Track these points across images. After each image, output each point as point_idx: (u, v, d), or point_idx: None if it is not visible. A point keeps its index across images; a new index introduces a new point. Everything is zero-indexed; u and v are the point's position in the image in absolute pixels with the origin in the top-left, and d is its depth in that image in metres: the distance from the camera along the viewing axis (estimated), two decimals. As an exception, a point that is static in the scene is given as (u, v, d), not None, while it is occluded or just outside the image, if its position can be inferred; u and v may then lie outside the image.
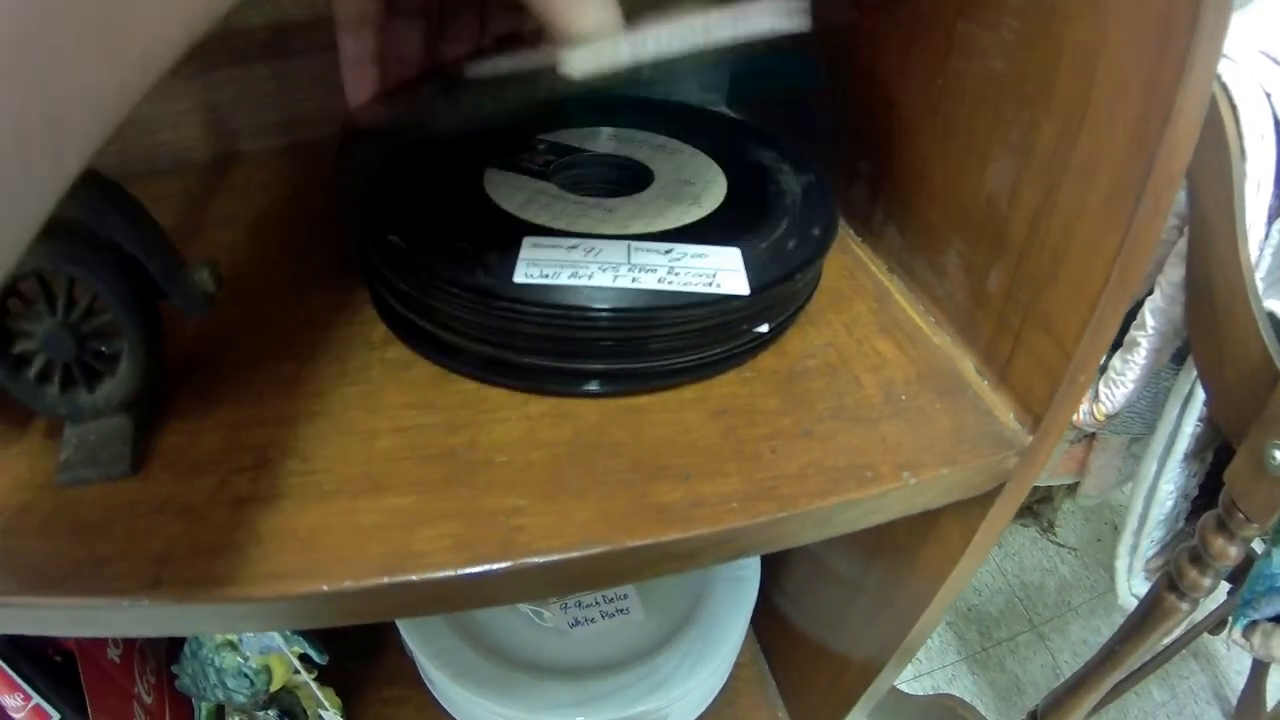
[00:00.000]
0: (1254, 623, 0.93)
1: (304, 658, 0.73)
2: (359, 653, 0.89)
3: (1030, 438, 0.44)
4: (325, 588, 0.35)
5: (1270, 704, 1.42)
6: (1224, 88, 0.80)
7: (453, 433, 0.42)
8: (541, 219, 0.48)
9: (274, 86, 0.68)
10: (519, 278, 0.43)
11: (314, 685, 0.75)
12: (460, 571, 0.36)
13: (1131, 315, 0.95)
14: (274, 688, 0.73)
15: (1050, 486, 1.69)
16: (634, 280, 0.43)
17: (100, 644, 0.68)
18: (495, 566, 0.36)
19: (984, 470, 0.44)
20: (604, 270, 0.44)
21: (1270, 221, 0.83)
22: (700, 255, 0.45)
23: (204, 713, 0.78)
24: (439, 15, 0.45)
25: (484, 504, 0.39)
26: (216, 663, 0.71)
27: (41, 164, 0.20)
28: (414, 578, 0.36)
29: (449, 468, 0.40)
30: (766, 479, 0.40)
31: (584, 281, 0.43)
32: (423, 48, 0.45)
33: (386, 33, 0.43)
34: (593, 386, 0.45)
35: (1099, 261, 0.38)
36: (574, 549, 0.37)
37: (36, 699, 0.61)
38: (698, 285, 0.43)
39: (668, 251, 0.46)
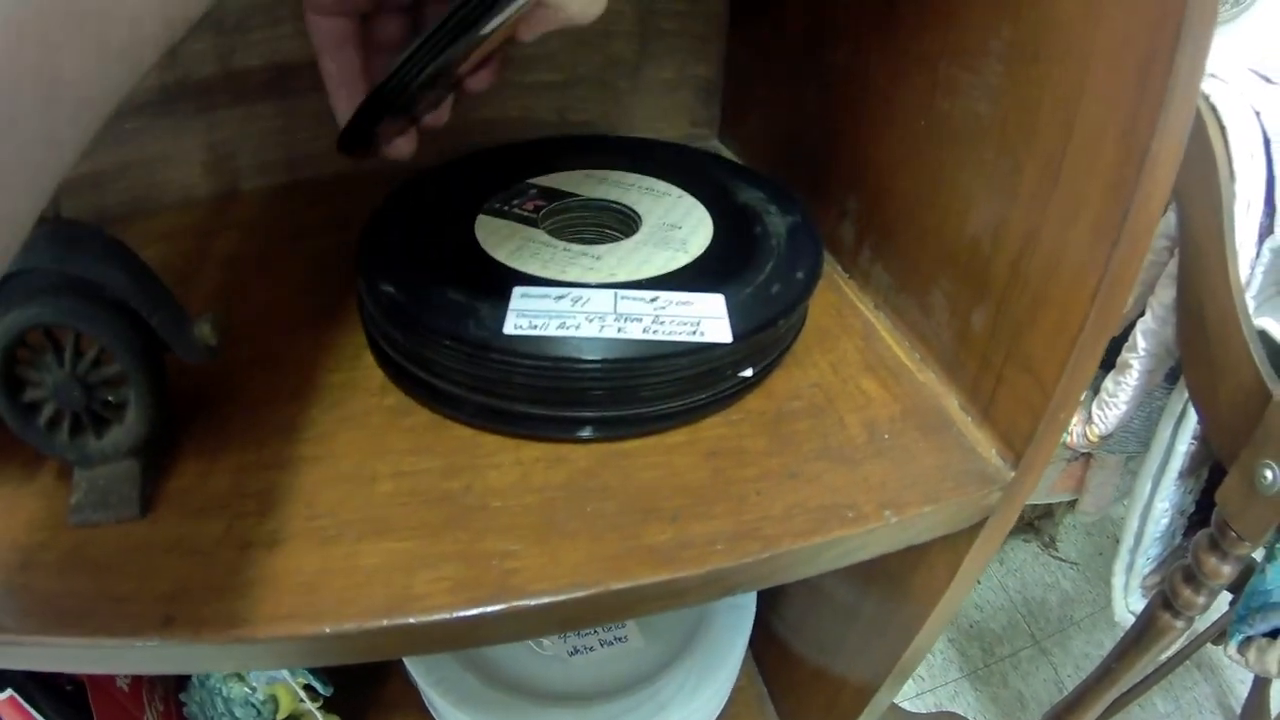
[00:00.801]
0: (1249, 638, 0.93)
1: (309, 688, 0.73)
2: (363, 681, 0.89)
3: (1012, 474, 0.45)
4: (329, 630, 0.36)
5: (1274, 714, 1.42)
6: (1213, 108, 0.81)
7: (450, 478, 0.44)
8: (531, 267, 0.49)
9: (276, 125, 0.69)
10: (509, 329, 0.44)
11: (319, 714, 0.76)
12: (457, 614, 0.37)
13: (1123, 336, 0.96)
14: (280, 717, 0.74)
15: (1051, 503, 1.69)
16: (619, 330, 0.44)
17: (110, 674, 0.69)
18: (491, 609, 0.37)
19: (967, 506, 0.45)
20: (590, 321, 0.45)
21: (1261, 240, 0.83)
22: (685, 303, 0.46)
23: (212, 740, 0.78)
24: (417, 27, 0.46)
25: (480, 547, 0.40)
26: (224, 692, 0.72)
27: (36, 145, 0.21)
28: (413, 620, 0.37)
29: (447, 512, 0.42)
30: (752, 520, 0.41)
31: (571, 333, 0.44)
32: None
33: (368, 49, 0.44)
34: (584, 432, 0.46)
35: (1078, 303, 0.39)
36: (566, 591, 0.38)
37: (48, 727, 0.62)
38: (682, 334, 0.44)
39: (653, 300, 0.47)
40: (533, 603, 0.37)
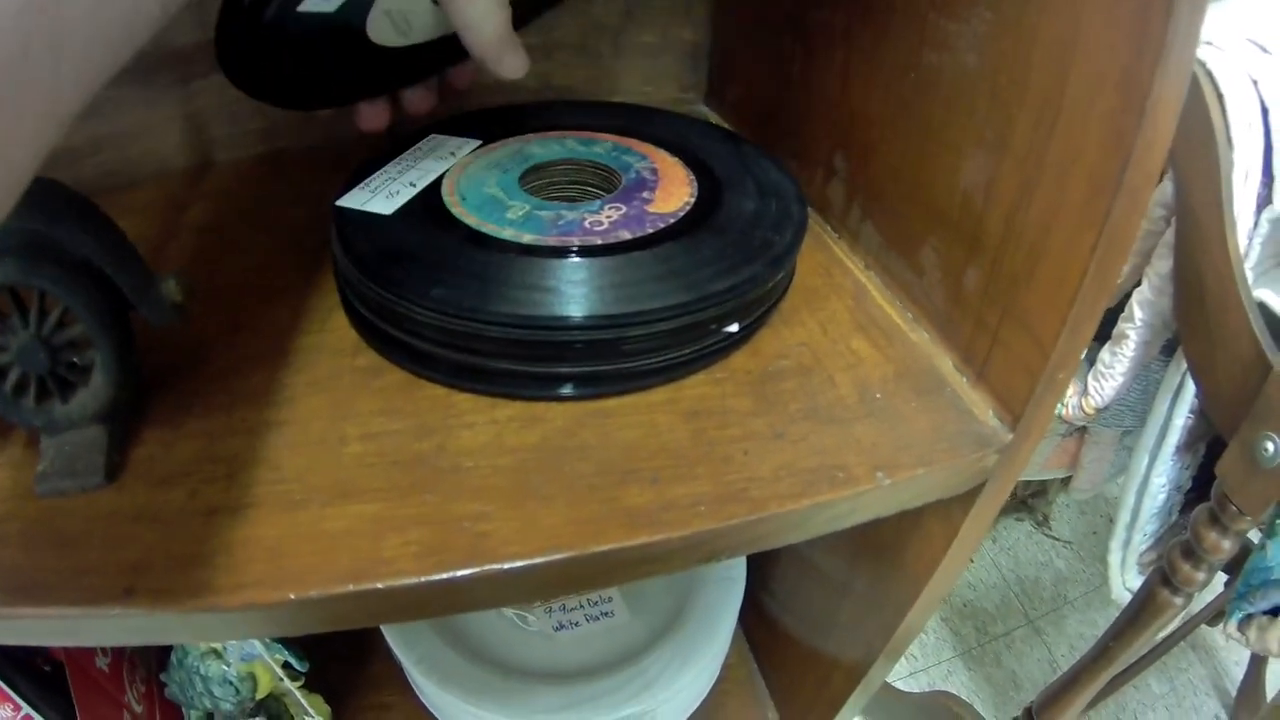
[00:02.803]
0: (1249, 616, 0.93)
1: (287, 666, 0.72)
2: (347, 658, 0.89)
3: (1010, 436, 0.43)
4: (293, 596, 0.35)
5: (1269, 695, 1.42)
6: (1209, 76, 0.79)
7: (421, 439, 0.42)
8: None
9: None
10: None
11: (298, 693, 0.75)
12: (426, 578, 0.35)
13: (1120, 307, 0.95)
14: (260, 695, 0.73)
15: (1044, 480, 1.69)
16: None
17: (89, 653, 0.68)
18: (461, 573, 0.36)
19: (963, 470, 0.43)
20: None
21: (1259, 211, 0.83)
22: None
23: (193, 721, 0.78)
24: None
25: (451, 510, 0.38)
26: (202, 670, 0.71)
27: (41, 85, 0.21)
28: (380, 585, 0.35)
29: (416, 474, 0.40)
30: (737, 481, 0.40)
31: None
32: None
33: None
34: (564, 390, 0.44)
35: (1076, 259, 0.38)
36: (540, 554, 0.36)
37: (26, 709, 0.60)
38: None
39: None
40: (506, 567, 0.36)
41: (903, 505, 0.44)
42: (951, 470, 0.43)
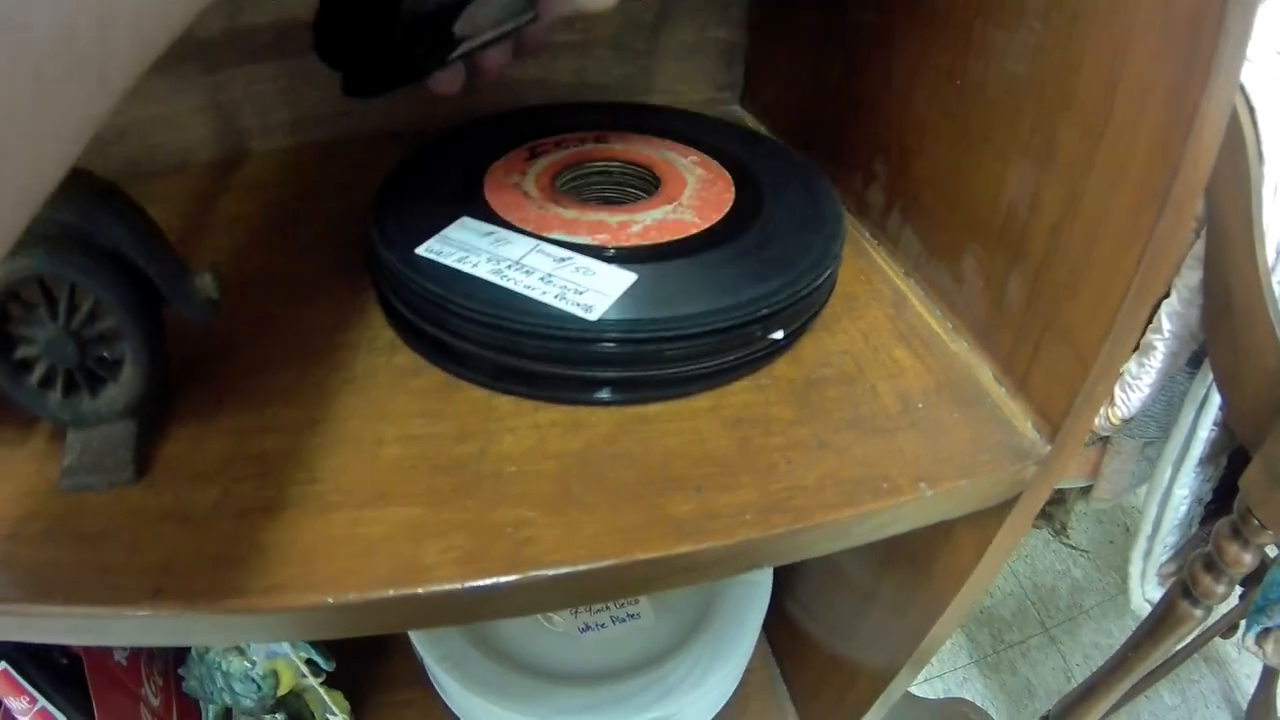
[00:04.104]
0: (1266, 630, 0.92)
1: (310, 663, 0.72)
2: (368, 655, 0.88)
3: (1048, 448, 0.43)
4: (329, 600, 0.35)
5: (1282, 709, 1.42)
6: (1241, 89, 0.79)
7: (462, 442, 0.42)
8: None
9: (282, 85, 0.68)
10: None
11: (321, 690, 0.74)
12: (467, 585, 0.35)
13: (1148, 319, 0.94)
14: (281, 692, 0.73)
15: (1063, 489, 1.68)
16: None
17: (107, 647, 0.67)
18: (503, 580, 0.35)
19: (1002, 481, 0.43)
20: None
21: (1289, 224, 0.82)
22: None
23: (211, 716, 0.77)
24: None
25: (493, 516, 0.38)
26: (224, 667, 0.70)
27: (89, 68, 0.20)
28: (420, 591, 0.35)
29: (457, 478, 0.40)
30: (781, 490, 0.39)
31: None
32: None
33: None
34: (603, 394, 0.44)
35: (1120, 272, 0.37)
36: (583, 562, 0.36)
37: (43, 702, 0.60)
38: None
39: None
40: (549, 574, 0.35)
41: (943, 515, 0.43)
42: (991, 482, 0.42)
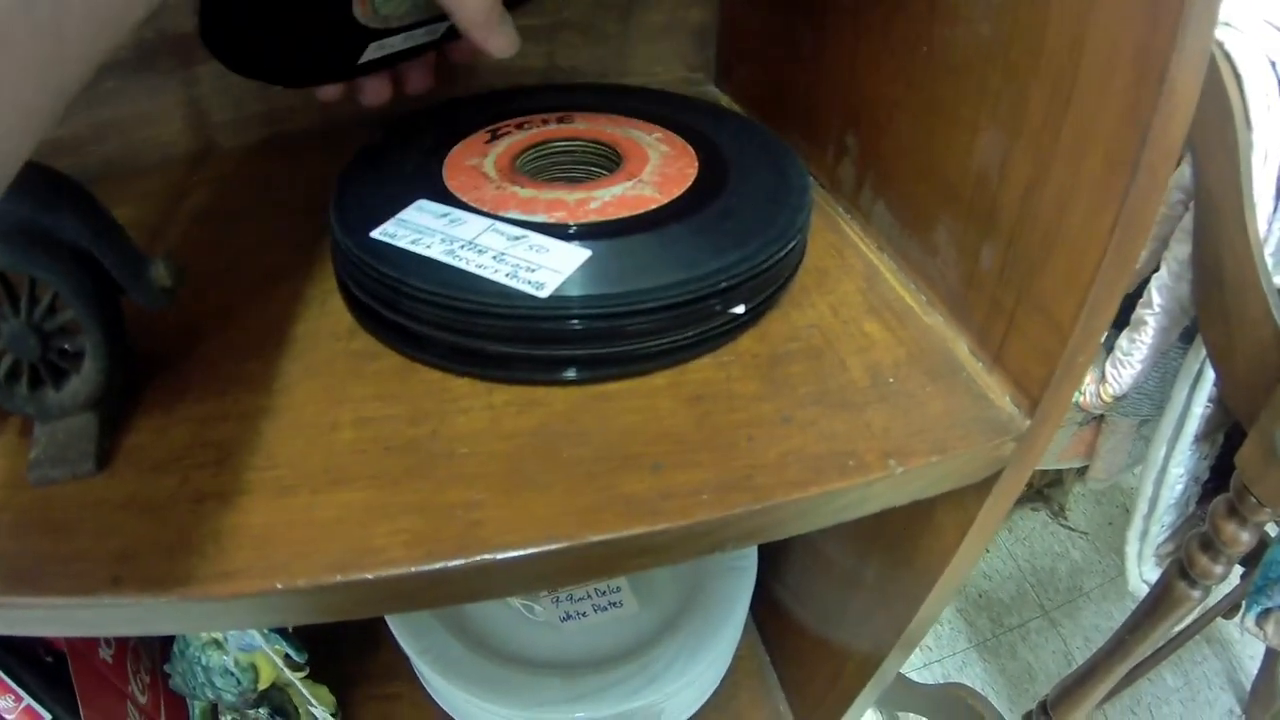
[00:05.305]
0: (1267, 610, 0.91)
1: (288, 657, 0.72)
2: (353, 649, 0.89)
3: (1028, 422, 0.41)
4: (279, 585, 0.34)
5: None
6: (1227, 56, 0.78)
7: (415, 424, 0.41)
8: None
9: (254, 82, 0.67)
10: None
11: (300, 684, 0.74)
12: (416, 569, 0.34)
13: (1138, 293, 0.93)
14: (262, 686, 0.72)
15: (1060, 470, 1.67)
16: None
17: (93, 644, 0.68)
18: (453, 563, 0.35)
19: (978, 458, 0.42)
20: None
21: (1278, 194, 0.81)
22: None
23: (198, 712, 0.77)
24: None
25: (443, 498, 0.37)
26: (203, 661, 0.70)
27: (44, 38, 0.20)
28: (369, 575, 0.34)
29: (409, 460, 0.39)
30: (741, 468, 0.38)
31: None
32: None
33: None
34: (567, 374, 0.43)
35: (1094, 239, 0.36)
36: (535, 544, 0.35)
37: (28, 700, 0.60)
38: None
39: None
40: (499, 557, 0.35)
41: (915, 495, 0.42)
42: (966, 458, 0.41)
